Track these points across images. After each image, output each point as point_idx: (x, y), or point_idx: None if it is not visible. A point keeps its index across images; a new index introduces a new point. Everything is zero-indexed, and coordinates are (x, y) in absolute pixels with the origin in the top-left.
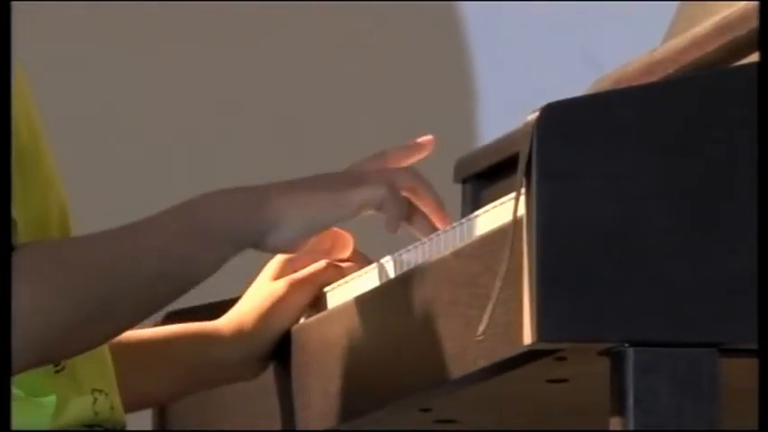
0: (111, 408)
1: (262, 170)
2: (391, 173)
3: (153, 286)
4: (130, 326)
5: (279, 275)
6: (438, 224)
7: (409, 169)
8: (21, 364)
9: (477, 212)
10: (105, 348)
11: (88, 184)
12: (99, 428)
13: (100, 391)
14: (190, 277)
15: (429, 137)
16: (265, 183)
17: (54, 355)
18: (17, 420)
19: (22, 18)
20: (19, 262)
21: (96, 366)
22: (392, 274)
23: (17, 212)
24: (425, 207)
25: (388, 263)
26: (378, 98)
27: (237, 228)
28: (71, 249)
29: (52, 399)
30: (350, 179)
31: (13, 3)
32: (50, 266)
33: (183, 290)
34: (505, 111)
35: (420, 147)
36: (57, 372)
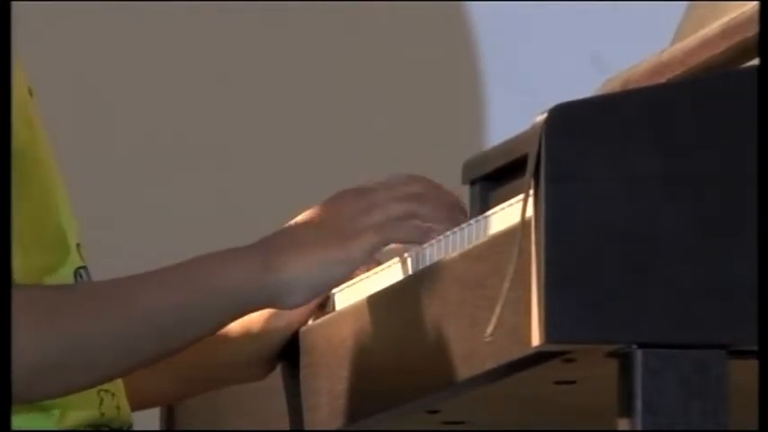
0: (118, 408)
1: (266, 174)
2: (386, 209)
3: (142, 340)
4: (111, 377)
5: None
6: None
7: (403, 195)
8: None
9: (485, 214)
10: None
11: (88, 184)
12: (105, 429)
13: (106, 392)
14: (192, 336)
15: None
16: (265, 237)
17: (16, 397)
18: (22, 422)
19: (22, 18)
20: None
21: None
22: (400, 276)
23: (15, 212)
24: (437, 216)
25: (396, 264)
26: (386, 100)
27: (248, 293)
28: (65, 296)
29: (58, 401)
30: (353, 227)
31: (13, 3)
32: (39, 310)
33: (175, 347)
34: (514, 112)
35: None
36: None
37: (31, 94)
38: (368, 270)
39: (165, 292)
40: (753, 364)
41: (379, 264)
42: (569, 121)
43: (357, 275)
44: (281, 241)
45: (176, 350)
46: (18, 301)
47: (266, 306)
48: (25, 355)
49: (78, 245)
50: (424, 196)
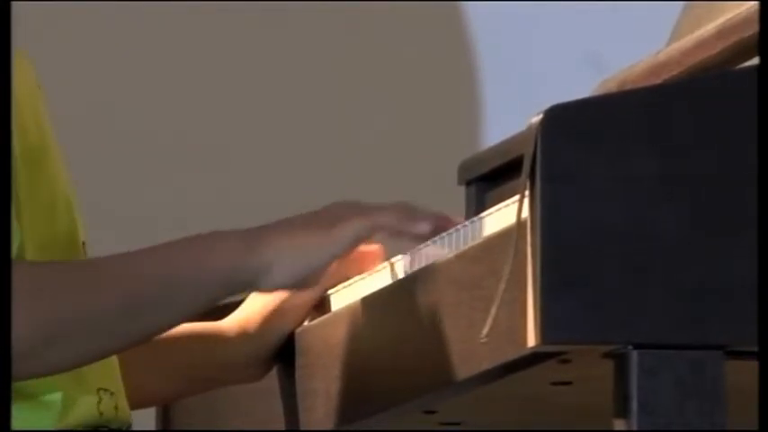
0: (116, 408)
1: (266, 174)
2: (383, 208)
3: (131, 319)
4: (99, 356)
5: None
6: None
7: (395, 206)
8: None
9: (481, 215)
10: None
11: (93, 181)
12: (104, 429)
13: (105, 390)
14: (178, 312)
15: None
16: (256, 226)
17: (25, 368)
18: (22, 422)
19: (23, 18)
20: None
21: (103, 365)
22: (395, 277)
23: (26, 214)
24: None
25: (392, 265)
26: (384, 100)
27: (230, 272)
28: (66, 271)
29: (58, 397)
30: (338, 215)
31: (13, 3)
32: (41, 285)
33: (168, 323)
34: (510, 113)
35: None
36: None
37: (39, 90)
38: (363, 272)
39: (154, 269)
40: (752, 365)
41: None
42: (565, 122)
43: (350, 276)
44: (267, 228)
45: (168, 326)
46: (15, 277)
47: (248, 287)
48: (24, 330)
49: (84, 243)
50: (415, 209)
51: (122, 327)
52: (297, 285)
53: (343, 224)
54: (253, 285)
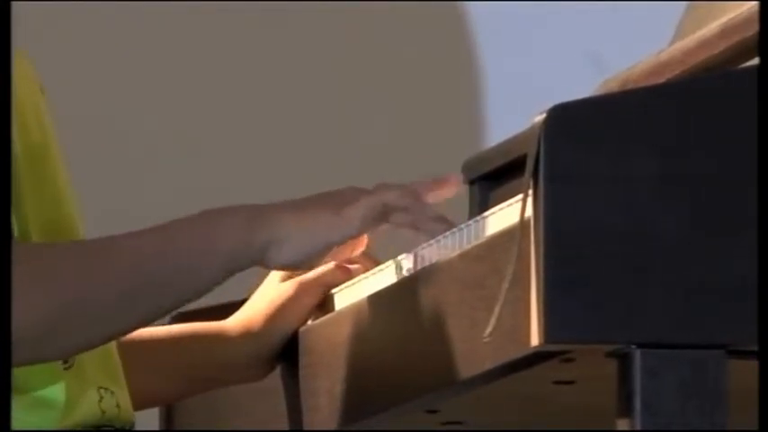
0: (118, 406)
1: (266, 173)
2: (389, 187)
3: (136, 296)
4: (115, 334)
5: (287, 277)
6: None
7: (404, 187)
8: None
9: (484, 214)
10: (112, 346)
11: (93, 181)
12: (108, 428)
13: (105, 389)
14: (184, 291)
15: (453, 175)
16: (268, 202)
17: (28, 354)
18: (24, 422)
19: (23, 18)
20: (15, 257)
21: (102, 364)
22: (399, 276)
23: (29, 209)
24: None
25: (396, 265)
26: (386, 100)
27: (238, 247)
28: (66, 253)
29: (60, 397)
30: (348, 198)
31: (13, 3)
32: (41, 267)
33: (175, 303)
34: (513, 112)
35: (444, 183)
36: (65, 368)
37: (42, 92)
38: (366, 270)
39: (160, 246)
40: (752, 365)
41: (378, 263)
42: (568, 122)
43: (358, 275)
44: (277, 205)
45: (174, 306)
46: (15, 258)
47: (254, 263)
48: (24, 312)
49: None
50: (417, 194)
51: (126, 305)
52: (302, 265)
53: (353, 206)
54: (259, 262)
